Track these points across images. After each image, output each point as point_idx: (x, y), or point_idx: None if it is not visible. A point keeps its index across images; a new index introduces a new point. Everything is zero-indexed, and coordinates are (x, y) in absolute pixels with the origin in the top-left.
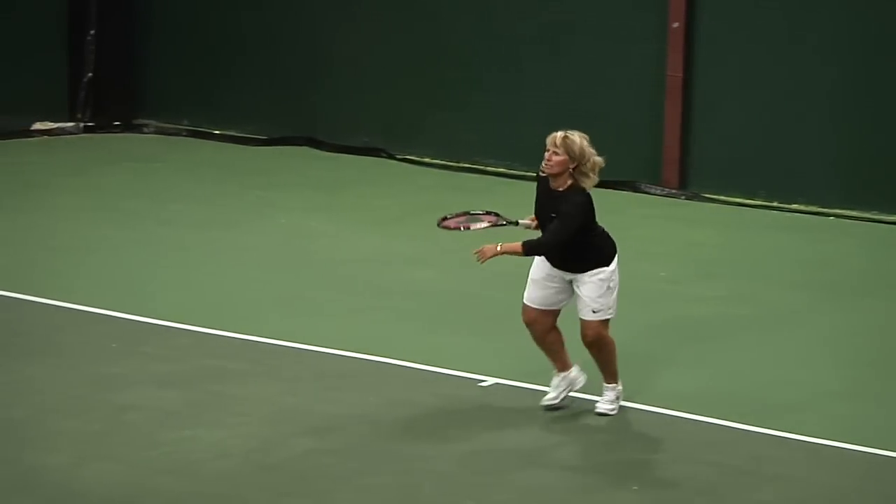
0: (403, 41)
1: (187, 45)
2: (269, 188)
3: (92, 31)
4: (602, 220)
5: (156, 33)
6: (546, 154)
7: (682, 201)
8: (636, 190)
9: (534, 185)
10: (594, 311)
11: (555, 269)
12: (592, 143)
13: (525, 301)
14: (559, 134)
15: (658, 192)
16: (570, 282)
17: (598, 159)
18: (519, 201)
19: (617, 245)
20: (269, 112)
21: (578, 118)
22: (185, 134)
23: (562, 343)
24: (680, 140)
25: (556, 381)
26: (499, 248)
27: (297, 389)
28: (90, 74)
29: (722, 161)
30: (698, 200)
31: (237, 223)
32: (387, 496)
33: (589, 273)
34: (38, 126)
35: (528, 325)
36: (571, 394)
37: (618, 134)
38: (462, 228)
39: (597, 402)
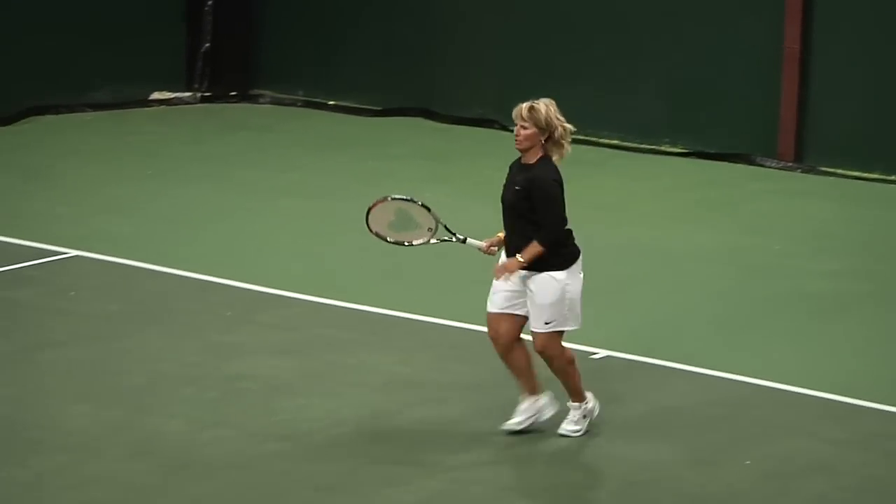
0: (517, 13)
1: (303, 16)
2: (382, 158)
3: (209, 3)
4: (716, 193)
5: (272, 5)
6: (514, 129)
7: (797, 174)
8: (751, 163)
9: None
10: (546, 323)
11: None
12: (708, 112)
13: (487, 310)
14: (524, 106)
15: (773, 164)
16: (520, 282)
17: (568, 126)
18: (632, 173)
19: (581, 253)
20: (383, 83)
21: (693, 90)
22: (300, 104)
23: (528, 363)
24: (796, 112)
25: (523, 405)
26: (521, 260)
27: (409, 359)
28: (207, 45)
29: (838, 134)
30: (814, 174)
31: (351, 193)
32: (498, 467)
33: (545, 273)
34: (156, 96)
35: (492, 338)
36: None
37: (733, 106)
38: (405, 243)
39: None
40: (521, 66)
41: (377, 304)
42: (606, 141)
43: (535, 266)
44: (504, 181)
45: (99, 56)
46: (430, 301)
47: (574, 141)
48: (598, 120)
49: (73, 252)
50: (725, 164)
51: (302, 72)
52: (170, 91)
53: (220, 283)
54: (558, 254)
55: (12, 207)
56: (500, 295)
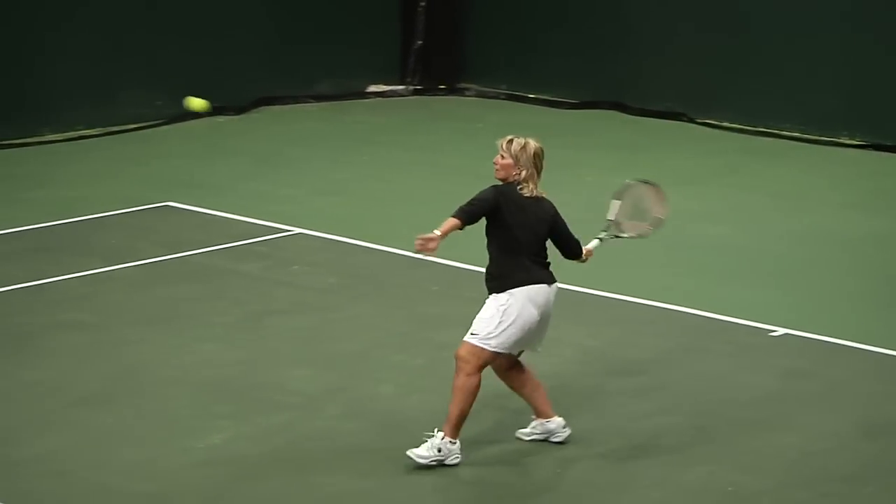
0: (705, 11)
1: (507, 16)
2: (577, 148)
3: (422, 4)
4: (893, 183)
5: (479, 6)
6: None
7: None
8: None
9: (826, 148)
10: (472, 333)
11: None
12: (886, 105)
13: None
14: (506, 138)
15: None
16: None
17: (534, 177)
18: (810, 164)
19: (530, 283)
20: (580, 78)
21: (871, 84)
22: (502, 97)
23: (532, 386)
24: None
25: (533, 423)
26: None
27: (599, 333)
28: (419, 43)
29: None
30: None
31: (547, 180)
32: (681, 435)
33: (492, 296)
34: (372, 89)
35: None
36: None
37: None
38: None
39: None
40: (706, 62)
41: (569, 281)
42: (787, 133)
43: (493, 284)
44: (503, 206)
45: (322, 52)
46: (620, 279)
47: (754, 132)
48: (778, 112)
49: (296, 230)
50: None
51: (505, 67)
52: (385, 84)
53: (427, 260)
54: (509, 277)
55: (244, 189)
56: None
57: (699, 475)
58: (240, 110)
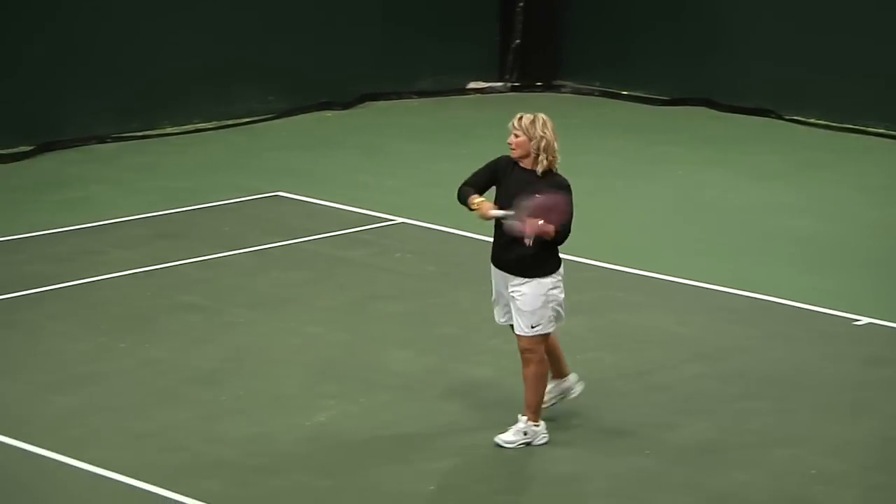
0: (795, 9)
1: (601, 15)
2: (667, 144)
3: (521, 4)
4: None
5: (574, 6)
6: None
7: None
8: None
9: None
10: (532, 327)
11: (498, 274)
12: None
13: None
14: (518, 115)
15: None
16: (508, 287)
17: (554, 145)
18: None
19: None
20: (671, 75)
21: None
22: (596, 94)
23: (554, 350)
24: None
25: (550, 385)
26: (540, 223)
27: (687, 321)
28: (517, 41)
29: None
30: None
31: (639, 174)
32: (765, 419)
33: (527, 284)
34: (472, 85)
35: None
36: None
37: None
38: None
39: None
40: (793, 59)
41: (660, 270)
42: (874, 130)
43: (523, 272)
44: (491, 170)
45: (424, 50)
46: (708, 269)
47: (842, 129)
48: (866, 109)
49: (399, 219)
50: None
51: (599, 65)
52: (484, 81)
53: None
54: (546, 260)
55: (350, 180)
56: (498, 310)
57: (783, 458)
58: (346, 105)
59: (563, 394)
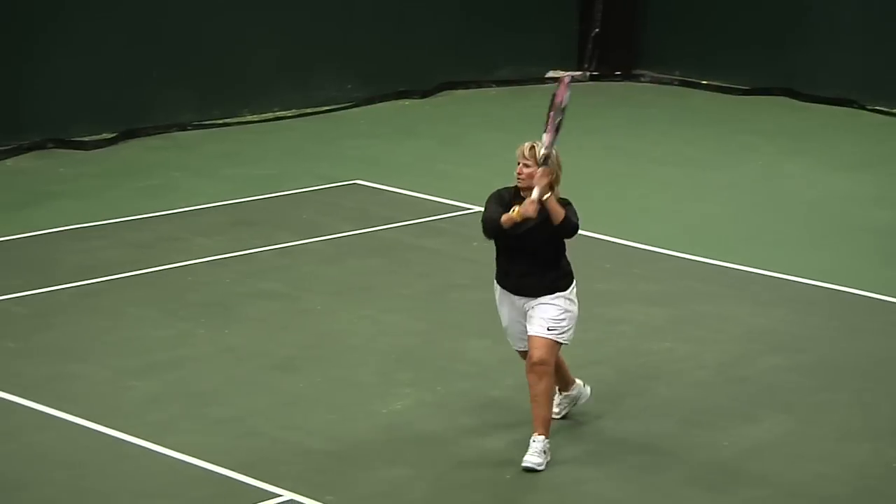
0: (871, 1)
1: (682, 3)
2: (747, 133)
3: None
4: None
5: None
6: (517, 168)
7: None
8: None
9: None
10: (549, 329)
11: (514, 299)
12: None
13: (516, 349)
14: (527, 145)
15: None
16: (524, 309)
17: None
18: None
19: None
20: (751, 64)
21: None
22: (676, 83)
23: (562, 366)
24: None
25: (557, 398)
26: (545, 197)
27: (766, 312)
28: (597, 30)
29: None
30: None
31: (718, 164)
32: (845, 411)
33: (548, 296)
34: (551, 74)
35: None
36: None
37: None
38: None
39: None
40: (875, 49)
41: (739, 260)
42: None
43: (548, 287)
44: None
45: (503, 39)
46: (787, 260)
47: None
48: None
49: (476, 208)
50: None
51: (679, 54)
52: (563, 70)
53: (600, 239)
54: (561, 278)
55: (427, 168)
56: (514, 335)
57: (863, 451)
58: (425, 94)
59: (574, 402)
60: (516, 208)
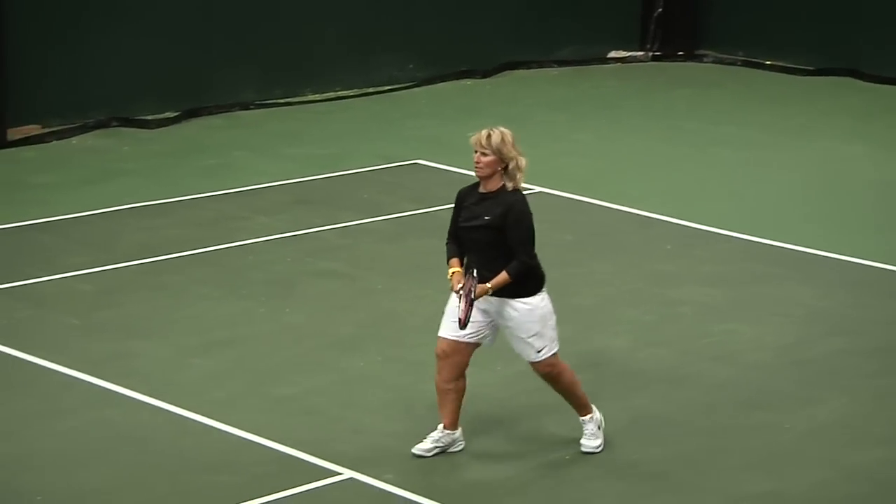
0: None
1: None
2: (810, 115)
3: None
4: None
5: None
6: (475, 157)
7: None
8: None
9: None
10: (538, 352)
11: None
12: None
13: (440, 334)
14: (482, 133)
15: None
16: (494, 312)
17: (524, 159)
18: None
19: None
20: (815, 45)
21: None
22: (739, 64)
23: (461, 396)
24: None
25: (437, 434)
26: (489, 286)
27: (828, 294)
28: (659, 10)
29: None
30: None
31: (780, 145)
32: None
33: (518, 300)
34: (613, 54)
35: (440, 358)
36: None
37: None
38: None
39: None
40: None
41: (801, 242)
42: None
43: (509, 292)
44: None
45: (564, 19)
46: (848, 242)
47: None
48: None
49: (537, 188)
50: None
51: (742, 34)
52: (625, 50)
53: (661, 220)
54: (529, 279)
55: None
56: (472, 325)
57: None
58: (486, 74)
59: (449, 445)
60: (454, 272)
